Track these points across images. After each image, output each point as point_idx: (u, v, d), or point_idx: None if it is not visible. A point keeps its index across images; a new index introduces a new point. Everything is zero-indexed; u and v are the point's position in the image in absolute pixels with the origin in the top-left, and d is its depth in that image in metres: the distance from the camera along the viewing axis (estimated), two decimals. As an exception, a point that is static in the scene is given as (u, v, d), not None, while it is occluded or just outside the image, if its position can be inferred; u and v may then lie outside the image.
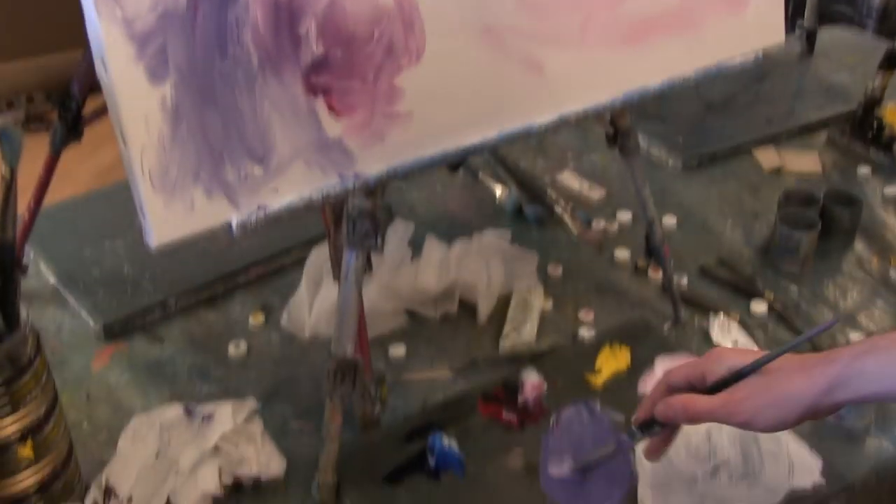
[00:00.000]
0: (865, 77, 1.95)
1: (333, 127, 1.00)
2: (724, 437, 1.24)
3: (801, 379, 0.94)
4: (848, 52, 2.36)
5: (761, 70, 2.21)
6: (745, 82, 2.17)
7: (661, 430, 1.05)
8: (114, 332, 1.47)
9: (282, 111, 0.96)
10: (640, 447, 1.09)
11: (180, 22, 0.89)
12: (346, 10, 0.98)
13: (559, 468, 1.11)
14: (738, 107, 2.09)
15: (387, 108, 1.02)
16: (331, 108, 0.99)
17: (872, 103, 1.91)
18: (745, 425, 0.95)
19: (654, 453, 1.08)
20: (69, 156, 1.43)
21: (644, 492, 1.18)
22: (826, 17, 2.60)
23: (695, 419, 1.00)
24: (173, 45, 0.89)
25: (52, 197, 1.62)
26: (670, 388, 1.04)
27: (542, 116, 1.16)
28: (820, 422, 1.30)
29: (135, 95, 0.88)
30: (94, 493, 1.12)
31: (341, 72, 0.99)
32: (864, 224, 1.71)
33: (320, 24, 0.97)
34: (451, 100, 1.07)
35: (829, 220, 1.64)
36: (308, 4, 0.96)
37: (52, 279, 1.57)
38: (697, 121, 2.03)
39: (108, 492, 1.13)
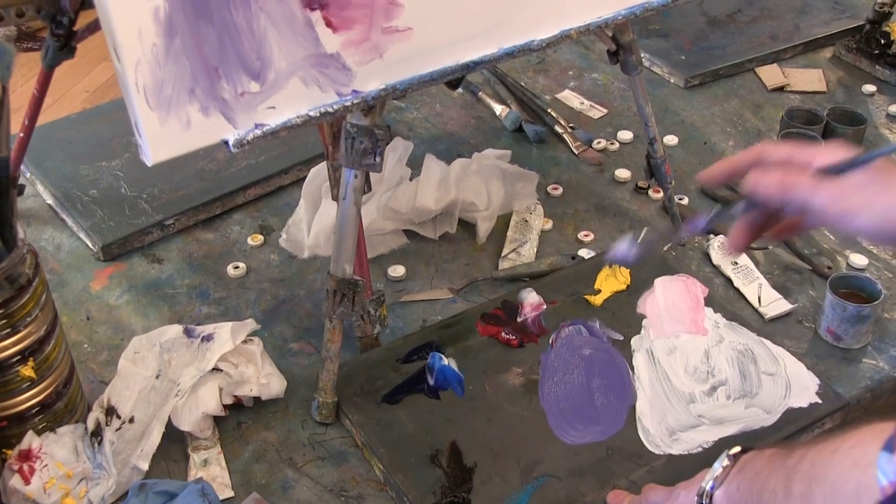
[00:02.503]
0: (874, -7, 1.92)
1: (331, 42, 0.98)
2: (723, 357, 1.24)
3: None
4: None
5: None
6: (750, -3, 2.13)
7: (741, 209, 0.90)
8: (112, 252, 1.46)
9: (278, 25, 0.93)
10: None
11: (172, -67, 0.87)
12: (343, -79, 0.95)
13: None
14: (741, 22, 2.05)
15: (385, 22, 1.00)
16: (328, 22, 0.96)
17: (881, 17, 1.88)
18: (843, 216, 0.82)
19: (736, 245, 0.92)
20: (65, 75, 1.41)
21: (643, 410, 1.18)
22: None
23: (790, 198, 0.85)
24: (165, -44, 0.87)
25: (50, 118, 1.60)
26: (761, 163, 0.89)
27: (543, 31, 1.14)
28: (818, 342, 1.31)
29: (127, 7, 0.86)
30: (96, 413, 1.13)
31: (338, -15, 0.96)
32: (868, 143, 1.69)
33: (316, -65, 0.94)
34: (450, 14, 1.05)
35: (832, 139, 1.63)
36: (303, -85, 0.93)
37: (49, 199, 1.56)
38: (700, 37, 2.00)
39: (110, 412, 1.13)
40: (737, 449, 0.91)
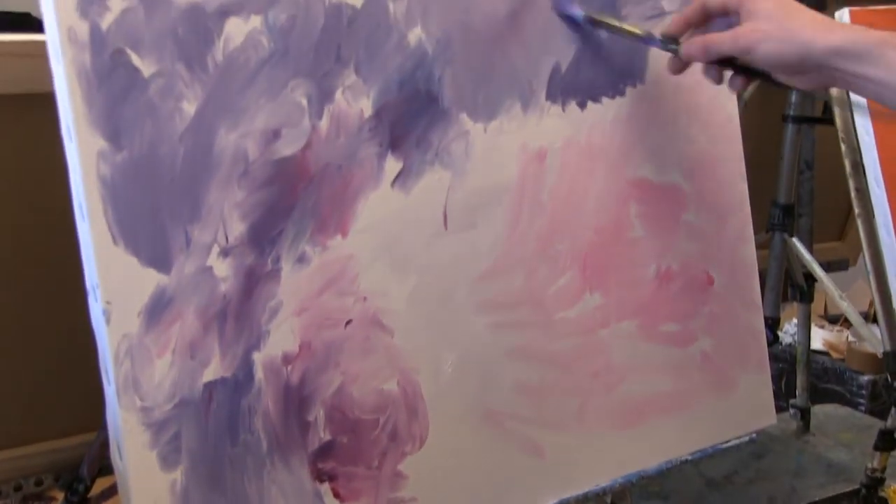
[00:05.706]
0: (864, 455, 1.97)
1: (338, 512, 1.01)
2: None
3: (820, 30, 0.95)
4: (843, 430, 2.39)
5: (760, 446, 2.23)
6: (745, 459, 2.19)
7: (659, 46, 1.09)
8: None
9: (288, 497, 0.97)
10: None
11: (195, 410, 0.93)
12: (354, 397, 1.03)
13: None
14: (739, 484, 2.09)
15: (390, 493, 1.04)
16: (336, 493, 1.00)
17: (875, 483, 1.91)
18: (744, 52, 0.97)
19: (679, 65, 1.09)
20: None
21: None
22: (818, 395, 2.67)
23: (711, 56, 1.03)
24: (187, 432, 0.93)
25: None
26: (705, 8, 1.05)
27: (544, 499, 1.17)
28: None
29: (146, 481, 0.90)
30: None
31: (347, 457, 1.02)
32: None
33: (328, 410, 1.01)
34: (453, 485, 1.09)
35: None
36: (317, 391, 1.01)
37: None
38: (699, 498, 2.02)
39: None
40: None
